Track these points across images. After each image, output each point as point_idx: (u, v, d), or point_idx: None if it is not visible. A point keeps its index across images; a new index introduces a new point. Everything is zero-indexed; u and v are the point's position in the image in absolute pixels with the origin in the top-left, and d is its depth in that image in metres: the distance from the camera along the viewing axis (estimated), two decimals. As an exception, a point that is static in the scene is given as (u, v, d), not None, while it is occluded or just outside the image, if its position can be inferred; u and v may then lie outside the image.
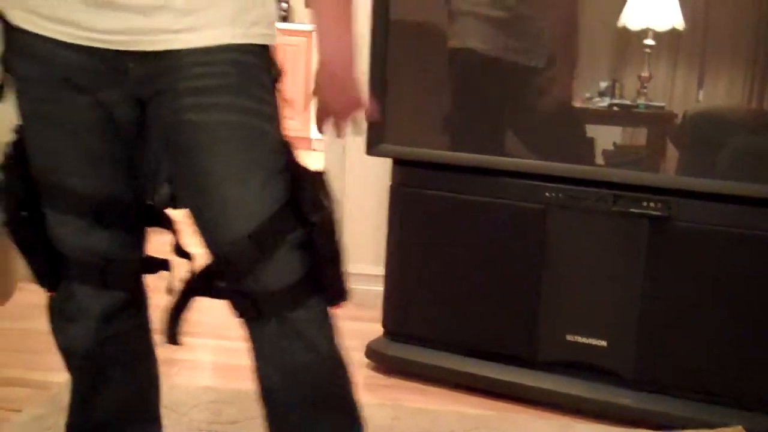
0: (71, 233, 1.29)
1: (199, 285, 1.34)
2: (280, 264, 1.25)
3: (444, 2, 2.31)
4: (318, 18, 1.28)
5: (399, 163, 2.42)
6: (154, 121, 1.25)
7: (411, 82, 2.04)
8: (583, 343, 2.28)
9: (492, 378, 2.35)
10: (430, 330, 2.44)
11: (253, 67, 1.23)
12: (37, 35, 1.19)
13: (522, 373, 2.34)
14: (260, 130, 1.23)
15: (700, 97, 2.30)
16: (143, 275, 1.41)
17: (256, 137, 1.22)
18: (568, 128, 2.39)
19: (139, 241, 1.37)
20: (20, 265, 2.32)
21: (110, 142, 1.26)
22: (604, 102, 2.37)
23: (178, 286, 1.37)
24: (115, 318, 1.36)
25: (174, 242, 1.39)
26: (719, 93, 2.30)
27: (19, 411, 2.11)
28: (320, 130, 1.39)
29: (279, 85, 1.29)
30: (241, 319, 1.33)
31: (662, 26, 2.29)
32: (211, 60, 1.18)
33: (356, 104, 1.35)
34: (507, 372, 2.35)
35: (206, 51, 1.18)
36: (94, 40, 1.17)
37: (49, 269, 1.32)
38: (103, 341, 1.36)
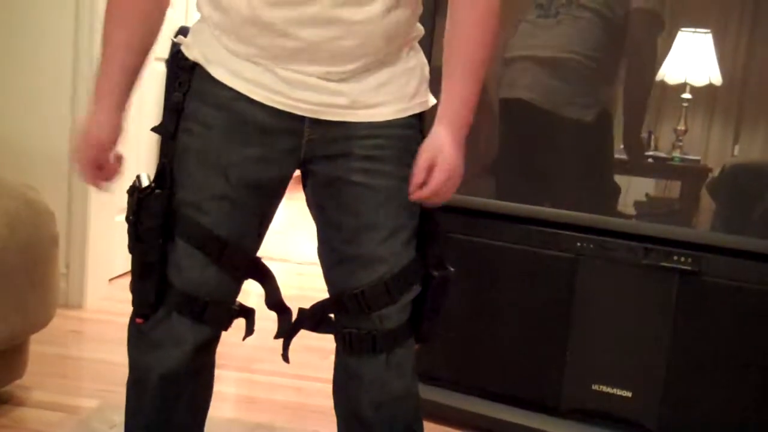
0: (195, 266, 1.40)
1: (310, 318, 1.50)
2: (401, 307, 1.45)
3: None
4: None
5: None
6: (318, 178, 1.43)
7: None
8: (608, 393, 2.27)
9: (514, 423, 2.34)
10: (455, 372, 2.44)
11: (410, 140, 1.44)
12: (231, 90, 1.38)
13: (545, 420, 2.33)
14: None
15: (736, 152, 2.31)
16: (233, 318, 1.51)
17: (406, 201, 1.43)
18: (602, 178, 2.40)
19: (239, 288, 1.49)
20: (59, 293, 2.38)
21: (256, 195, 1.42)
22: (639, 153, 2.38)
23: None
24: (203, 352, 1.46)
25: (273, 295, 1.51)
26: (755, 148, 2.30)
27: (50, 434, 2.16)
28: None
29: None
30: (348, 353, 1.48)
31: (699, 81, 2.31)
32: (380, 134, 1.41)
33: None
34: (530, 418, 2.34)
35: (377, 125, 1.41)
36: (285, 104, 1.37)
37: (154, 297, 1.41)
38: (189, 371, 1.46)
